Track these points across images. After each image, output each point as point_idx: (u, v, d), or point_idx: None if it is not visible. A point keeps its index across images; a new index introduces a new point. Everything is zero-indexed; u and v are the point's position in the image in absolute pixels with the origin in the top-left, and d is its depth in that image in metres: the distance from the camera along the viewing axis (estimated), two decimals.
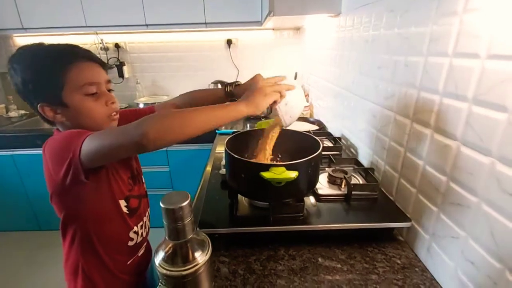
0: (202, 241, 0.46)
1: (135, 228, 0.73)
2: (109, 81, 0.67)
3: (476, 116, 0.48)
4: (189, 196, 0.42)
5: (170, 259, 0.43)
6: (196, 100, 0.88)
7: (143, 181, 0.83)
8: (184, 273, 0.42)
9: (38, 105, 0.60)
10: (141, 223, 0.76)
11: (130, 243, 0.72)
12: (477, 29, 0.48)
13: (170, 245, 0.43)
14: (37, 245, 1.99)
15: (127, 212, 0.70)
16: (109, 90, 0.67)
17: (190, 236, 0.43)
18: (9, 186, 1.92)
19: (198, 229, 0.47)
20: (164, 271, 0.42)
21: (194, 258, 0.43)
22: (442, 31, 0.56)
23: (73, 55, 0.61)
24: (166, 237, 0.43)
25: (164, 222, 0.42)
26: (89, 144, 0.52)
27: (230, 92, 0.82)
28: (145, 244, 0.82)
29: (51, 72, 0.58)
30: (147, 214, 0.81)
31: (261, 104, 0.62)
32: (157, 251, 0.44)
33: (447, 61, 0.55)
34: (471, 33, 0.49)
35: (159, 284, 0.43)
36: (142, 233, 0.77)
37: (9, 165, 1.85)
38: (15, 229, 2.11)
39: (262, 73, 0.74)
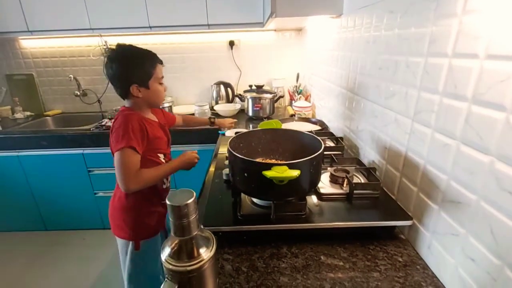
0: (207, 237, 0.47)
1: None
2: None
3: (476, 116, 0.49)
4: (194, 194, 0.43)
5: (175, 255, 0.44)
6: (189, 123, 1.47)
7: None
8: (189, 268, 0.43)
9: (131, 85, 0.93)
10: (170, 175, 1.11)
11: (164, 186, 1.09)
12: (476, 30, 0.48)
13: (176, 241, 0.44)
14: (43, 245, 2.02)
15: (164, 162, 1.04)
16: None
17: (195, 233, 0.44)
18: (15, 186, 1.95)
19: (202, 227, 0.49)
20: (170, 267, 0.43)
21: (199, 254, 0.44)
22: (441, 32, 0.57)
23: (157, 58, 0.98)
24: (172, 234, 0.44)
25: (170, 219, 0.43)
26: (118, 158, 0.88)
27: (212, 122, 1.51)
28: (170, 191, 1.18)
29: (146, 66, 0.95)
30: None
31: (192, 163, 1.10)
32: (163, 247, 0.45)
33: (447, 62, 0.55)
34: (470, 34, 0.50)
35: (165, 279, 0.45)
36: (170, 180, 1.15)
37: (15, 165, 1.88)
38: (21, 229, 2.14)
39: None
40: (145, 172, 0.91)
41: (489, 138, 0.46)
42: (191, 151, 1.10)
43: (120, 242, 1.06)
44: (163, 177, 1.00)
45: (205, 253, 0.45)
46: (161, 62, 1.00)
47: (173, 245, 0.45)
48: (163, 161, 1.04)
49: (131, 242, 1.03)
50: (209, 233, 0.49)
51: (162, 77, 1.00)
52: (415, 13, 0.66)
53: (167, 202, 0.42)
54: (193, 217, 0.43)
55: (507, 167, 0.43)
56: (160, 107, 1.17)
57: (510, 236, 0.43)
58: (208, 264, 0.45)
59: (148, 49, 0.99)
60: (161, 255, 0.45)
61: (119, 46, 0.94)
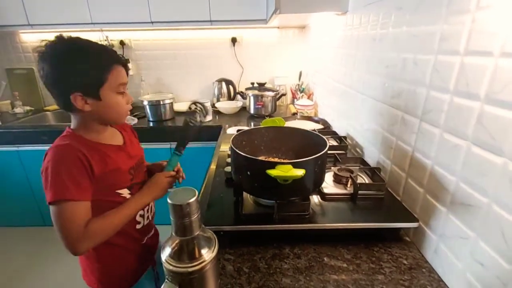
0: (209, 238, 0.46)
1: (141, 212, 0.80)
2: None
3: (489, 115, 0.47)
4: (196, 192, 0.42)
5: (176, 255, 0.42)
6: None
7: (145, 168, 0.88)
8: (191, 269, 0.42)
9: (72, 94, 0.65)
10: (146, 207, 0.82)
11: (138, 226, 0.80)
12: (490, 27, 0.47)
13: (177, 241, 0.43)
14: (42, 240, 2.01)
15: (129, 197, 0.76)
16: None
17: (197, 233, 0.43)
18: (14, 181, 1.94)
19: (204, 226, 0.47)
20: (171, 267, 0.42)
21: (200, 255, 0.43)
22: (453, 29, 0.55)
23: (114, 58, 0.70)
24: (173, 233, 0.43)
25: (171, 218, 0.41)
26: (54, 209, 0.63)
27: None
28: (153, 228, 0.92)
29: (97, 70, 0.66)
30: None
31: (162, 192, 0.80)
32: (164, 247, 0.44)
33: (458, 60, 0.54)
34: (484, 30, 0.48)
35: (166, 280, 0.43)
36: (148, 216, 0.84)
37: (15, 160, 1.87)
38: (20, 225, 2.13)
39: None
40: (96, 223, 0.65)
41: (503, 139, 0.44)
42: (163, 172, 0.82)
43: None
44: (125, 220, 0.71)
45: (207, 253, 0.43)
46: (122, 63, 0.71)
47: (173, 245, 0.43)
48: (128, 196, 0.75)
49: None
50: (211, 233, 0.47)
51: (124, 83, 0.71)
52: (425, 10, 0.65)
53: (169, 201, 0.40)
54: (195, 216, 0.41)
55: None
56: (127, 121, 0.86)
57: None
58: (209, 265, 0.44)
59: (107, 46, 0.73)
60: (161, 255, 0.43)
61: (59, 39, 0.65)
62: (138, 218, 0.79)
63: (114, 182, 0.72)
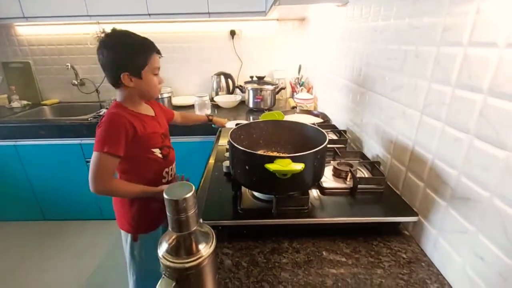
0: (206, 233, 0.45)
1: (167, 169, 1.04)
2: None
3: (492, 108, 0.46)
4: (193, 187, 0.41)
5: (173, 251, 0.42)
6: (188, 119, 1.42)
7: (169, 137, 1.10)
8: (188, 265, 0.41)
9: (122, 73, 0.86)
10: (170, 166, 1.06)
11: (164, 180, 1.04)
12: (495, 17, 0.45)
13: (173, 237, 0.42)
14: (41, 234, 2.01)
15: (161, 157, 0.99)
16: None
17: (194, 228, 0.42)
18: (12, 176, 1.93)
19: (202, 221, 0.47)
20: (168, 263, 0.41)
21: (198, 250, 0.42)
22: (456, 19, 0.54)
23: (153, 47, 0.91)
24: (170, 229, 0.42)
25: (168, 214, 0.40)
26: (94, 160, 0.85)
27: (210, 120, 1.51)
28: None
29: (141, 55, 0.88)
30: (174, 161, 1.09)
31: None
32: (160, 243, 0.43)
33: (461, 51, 0.52)
34: (489, 21, 0.47)
35: (163, 276, 0.43)
36: (171, 174, 1.08)
37: (13, 155, 1.85)
38: (19, 219, 2.13)
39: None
40: (117, 183, 0.89)
41: (506, 132, 0.44)
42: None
43: (122, 232, 1.06)
44: (134, 195, 0.94)
45: (204, 249, 0.43)
46: (158, 52, 0.93)
47: (170, 240, 0.42)
48: (159, 155, 0.98)
49: (129, 234, 1.03)
50: (209, 228, 0.47)
51: (158, 68, 0.94)
52: (428, 1, 0.63)
53: (165, 196, 0.39)
54: (192, 212, 0.41)
55: None
56: (157, 99, 1.13)
57: None
58: (207, 261, 0.43)
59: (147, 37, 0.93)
60: (158, 251, 0.43)
61: (114, 31, 0.88)
62: (164, 174, 1.03)
63: (150, 142, 0.95)
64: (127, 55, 0.86)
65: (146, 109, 1.01)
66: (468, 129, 0.51)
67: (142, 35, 0.91)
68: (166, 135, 1.05)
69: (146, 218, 1.03)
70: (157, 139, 0.98)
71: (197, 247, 0.42)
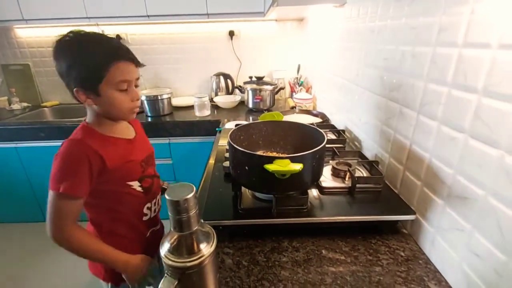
0: (207, 233, 0.46)
1: (148, 204, 0.82)
2: (138, 78, 0.74)
3: (486, 108, 0.47)
4: (194, 188, 0.42)
5: (175, 250, 0.43)
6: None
7: (155, 163, 0.89)
8: (189, 264, 0.42)
9: (74, 90, 0.68)
10: (154, 200, 0.85)
11: (145, 218, 0.82)
12: (489, 18, 0.46)
13: (175, 237, 0.43)
14: (42, 236, 2.00)
15: (141, 190, 0.79)
16: (136, 86, 0.74)
17: (195, 228, 0.43)
18: (13, 178, 1.93)
19: (202, 221, 0.47)
20: (170, 262, 0.42)
21: (199, 250, 0.43)
22: (451, 20, 0.55)
23: (117, 53, 0.67)
24: (172, 229, 0.43)
25: (170, 214, 0.41)
26: (50, 203, 0.66)
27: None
28: (159, 222, 0.93)
29: (94, 66, 0.66)
30: (160, 193, 0.90)
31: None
32: (162, 242, 0.44)
33: (456, 52, 0.53)
34: (483, 22, 0.48)
35: (165, 275, 0.44)
36: (155, 209, 0.86)
37: (13, 157, 1.86)
38: (19, 221, 2.13)
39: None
40: (78, 235, 0.68)
41: (500, 131, 0.44)
42: (144, 266, 0.77)
43: (101, 282, 0.84)
44: (95, 257, 0.72)
45: (206, 248, 0.44)
46: (126, 59, 0.68)
47: (172, 240, 0.43)
48: (139, 189, 0.77)
49: (109, 284, 0.82)
50: (210, 228, 0.48)
51: (125, 80, 0.69)
52: (424, 1, 0.64)
53: (166, 196, 0.40)
54: (193, 212, 0.42)
55: None
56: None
57: None
58: (208, 260, 0.44)
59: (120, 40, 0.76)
60: (160, 250, 0.43)
61: (66, 35, 0.66)
62: (145, 211, 0.81)
63: (125, 174, 0.74)
64: (76, 64, 0.66)
65: (123, 131, 0.78)
66: (463, 129, 0.52)
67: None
68: (148, 162, 0.82)
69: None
70: (135, 169, 0.77)
71: (198, 247, 0.43)
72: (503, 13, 0.44)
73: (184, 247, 0.43)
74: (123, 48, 0.69)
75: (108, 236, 0.76)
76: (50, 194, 0.65)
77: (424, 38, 0.63)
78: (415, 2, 0.67)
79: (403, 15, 0.72)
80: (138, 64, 0.73)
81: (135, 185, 0.77)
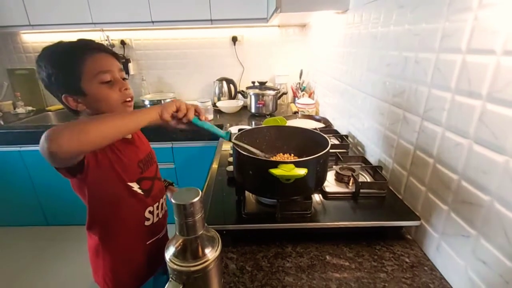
0: (212, 237, 0.46)
1: (150, 208, 0.78)
2: (122, 70, 0.72)
3: (490, 114, 0.47)
4: (200, 192, 0.42)
5: (180, 254, 0.43)
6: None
7: (157, 164, 0.86)
8: (194, 268, 0.42)
9: (62, 96, 0.67)
10: (156, 204, 0.80)
11: (147, 223, 0.78)
12: (492, 25, 0.47)
13: (180, 241, 0.43)
14: (45, 240, 2.02)
15: (142, 193, 0.75)
16: (123, 79, 0.72)
17: (200, 232, 0.43)
18: (17, 181, 1.94)
19: (206, 225, 0.48)
20: (175, 266, 0.42)
21: (204, 254, 0.43)
22: (455, 27, 0.55)
23: (87, 48, 0.67)
24: (177, 233, 0.43)
25: (175, 218, 0.42)
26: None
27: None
28: (165, 228, 0.88)
29: (69, 65, 0.65)
30: (164, 197, 0.86)
31: (169, 106, 0.61)
32: (167, 246, 0.44)
33: (460, 58, 0.54)
34: (487, 29, 0.48)
35: (170, 279, 0.44)
36: (158, 214, 0.81)
37: (17, 160, 1.87)
38: (23, 224, 2.14)
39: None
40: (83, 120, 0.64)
41: (505, 137, 0.44)
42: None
43: None
44: (113, 124, 0.55)
45: (210, 253, 0.44)
46: (100, 51, 0.67)
47: (177, 244, 0.43)
48: (139, 191, 0.75)
49: None
50: (215, 232, 0.48)
51: (105, 71, 0.67)
52: (427, 8, 0.65)
53: (172, 200, 0.40)
54: (198, 216, 0.42)
55: None
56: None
57: None
58: (213, 264, 0.44)
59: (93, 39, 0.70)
60: (165, 255, 0.44)
61: (45, 47, 0.67)
62: (147, 215, 0.77)
63: (124, 174, 0.71)
64: (53, 71, 0.65)
65: None
66: (468, 134, 0.52)
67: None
68: (147, 163, 0.79)
69: (126, 272, 0.78)
70: (133, 170, 0.74)
71: (203, 251, 0.43)
72: (507, 20, 0.44)
73: (189, 251, 0.43)
74: (94, 43, 0.69)
75: (107, 242, 0.74)
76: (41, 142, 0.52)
77: (427, 44, 0.64)
78: (418, 8, 0.68)
79: (406, 22, 0.73)
80: (114, 55, 0.71)
81: (135, 186, 0.74)
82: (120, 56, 0.70)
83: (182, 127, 0.66)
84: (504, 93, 0.45)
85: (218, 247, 0.45)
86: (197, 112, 0.65)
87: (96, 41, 0.70)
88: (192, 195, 0.41)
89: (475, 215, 0.51)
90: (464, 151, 0.53)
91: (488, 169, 0.48)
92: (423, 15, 0.66)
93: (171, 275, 0.44)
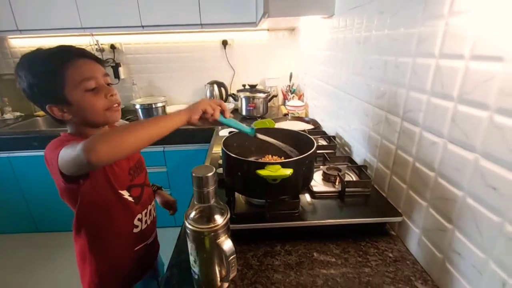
0: (222, 209, 0.53)
1: (139, 216, 0.78)
2: (106, 75, 0.71)
3: (461, 114, 0.50)
4: (214, 169, 0.50)
5: (196, 218, 0.51)
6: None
7: (146, 170, 0.86)
8: (206, 230, 0.50)
9: (47, 107, 0.65)
10: (145, 211, 0.80)
11: (135, 230, 0.78)
12: (462, 31, 0.50)
13: (196, 207, 0.51)
14: (35, 246, 1.99)
15: (132, 200, 0.75)
16: (108, 84, 0.70)
17: (212, 201, 0.51)
18: (6, 188, 1.92)
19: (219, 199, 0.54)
20: (192, 228, 0.50)
21: (214, 220, 0.51)
22: (428, 33, 0.59)
23: (68, 54, 0.64)
24: (195, 201, 0.51)
25: (194, 188, 0.49)
26: (61, 156, 0.57)
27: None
28: (153, 234, 0.88)
29: (50, 74, 0.62)
30: (152, 203, 0.86)
31: (196, 108, 0.63)
32: (188, 213, 0.52)
33: (434, 62, 0.57)
34: (456, 35, 0.51)
35: (187, 238, 0.52)
36: (146, 221, 0.81)
37: (6, 167, 1.85)
38: (12, 231, 2.10)
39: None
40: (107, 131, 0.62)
41: (474, 136, 0.48)
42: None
43: None
44: (150, 132, 0.56)
45: (220, 219, 0.51)
46: (82, 57, 0.65)
47: (194, 210, 0.52)
48: (130, 199, 0.74)
49: None
50: (225, 205, 0.54)
51: (88, 78, 0.64)
52: (404, 14, 0.68)
53: (192, 174, 0.48)
54: (211, 188, 0.49)
55: (491, 164, 0.45)
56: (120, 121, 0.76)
57: (494, 230, 0.45)
58: (222, 229, 0.51)
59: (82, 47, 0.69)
60: (185, 220, 0.51)
61: (23, 56, 0.64)
62: (136, 222, 0.77)
63: (115, 182, 0.70)
64: (34, 80, 0.62)
65: None
66: (442, 134, 0.55)
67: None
68: (137, 170, 0.79)
69: (113, 277, 0.78)
70: (124, 177, 0.74)
71: (214, 218, 0.51)
72: (474, 26, 0.47)
73: (204, 216, 0.51)
74: (75, 49, 0.66)
75: (94, 247, 0.74)
76: (61, 152, 0.56)
77: (405, 49, 0.67)
78: (397, 14, 0.71)
79: (386, 27, 0.76)
80: (97, 60, 0.69)
81: (126, 194, 0.73)
82: (104, 60, 0.69)
83: (207, 126, 0.68)
84: (473, 95, 0.48)
85: (226, 216, 0.52)
86: (222, 109, 0.67)
87: (77, 47, 0.67)
88: (208, 171, 0.49)
89: (451, 210, 0.54)
90: (439, 150, 0.56)
91: (460, 166, 0.51)
92: (401, 21, 0.69)
93: (188, 236, 0.51)
